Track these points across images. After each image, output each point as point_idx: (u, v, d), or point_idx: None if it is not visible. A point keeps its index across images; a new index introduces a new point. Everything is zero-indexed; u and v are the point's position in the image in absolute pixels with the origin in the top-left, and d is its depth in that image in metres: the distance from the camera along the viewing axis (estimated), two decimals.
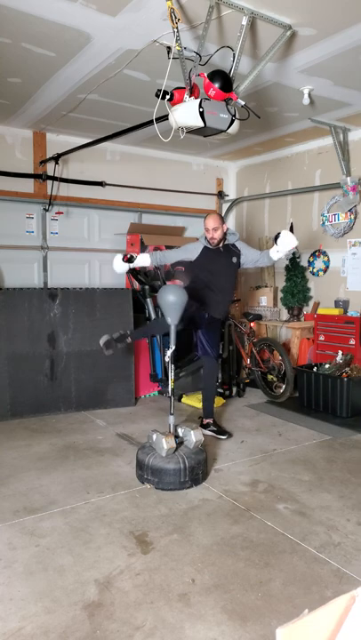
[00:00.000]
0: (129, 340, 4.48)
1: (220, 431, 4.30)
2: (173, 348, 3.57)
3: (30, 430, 4.48)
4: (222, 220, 4.18)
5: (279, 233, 3.97)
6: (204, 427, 4.31)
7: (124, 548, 2.60)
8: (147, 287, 5.49)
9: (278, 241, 3.94)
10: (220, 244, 4.18)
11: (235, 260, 4.27)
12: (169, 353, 3.57)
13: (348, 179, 5.30)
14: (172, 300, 3.51)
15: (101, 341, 4.42)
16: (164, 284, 5.70)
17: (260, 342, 5.71)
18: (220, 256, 4.21)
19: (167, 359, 3.60)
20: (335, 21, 3.14)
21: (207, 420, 4.37)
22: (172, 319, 3.55)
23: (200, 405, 5.21)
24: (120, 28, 3.24)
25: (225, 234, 4.18)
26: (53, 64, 3.79)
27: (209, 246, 4.19)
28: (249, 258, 4.27)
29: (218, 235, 4.12)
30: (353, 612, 1.06)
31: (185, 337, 6.07)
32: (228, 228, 4.27)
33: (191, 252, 4.26)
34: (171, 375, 3.60)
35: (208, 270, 4.20)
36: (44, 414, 4.87)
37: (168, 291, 3.58)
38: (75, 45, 3.49)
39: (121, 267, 4.12)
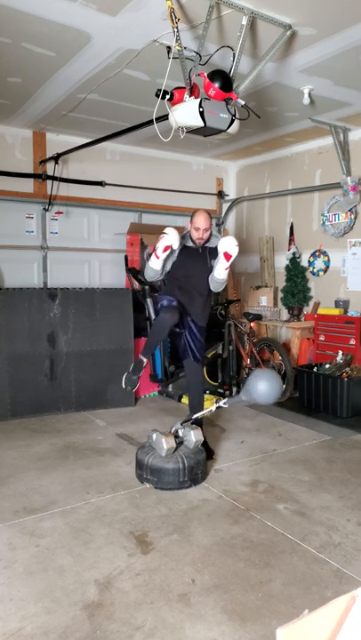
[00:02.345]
0: (144, 361, 4.00)
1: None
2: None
3: (30, 430, 4.48)
4: (211, 219, 3.90)
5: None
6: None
7: (124, 548, 2.59)
8: (147, 287, 5.48)
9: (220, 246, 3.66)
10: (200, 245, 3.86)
11: (211, 264, 3.86)
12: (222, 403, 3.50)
13: (349, 178, 5.30)
14: (264, 388, 3.36)
15: (123, 384, 3.98)
16: (164, 284, 5.70)
17: (260, 342, 5.71)
18: (199, 257, 3.86)
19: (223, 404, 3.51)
20: (335, 21, 3.14)
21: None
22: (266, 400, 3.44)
23: None
24: (120, 28, 3.24)
25: (210, 235, 3.87)
26: (53, 64, 3.79)
27: (189, 245, 3.86)
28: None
29: (207, 236, 3.82)
30: (353, 612, 1.06)
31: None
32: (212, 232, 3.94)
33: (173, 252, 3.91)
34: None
35: (185, 271, 3.85)
36: (44, 414, 4.86)
37: (259, 378, 3.42)
38: (75, 45, 3.49)
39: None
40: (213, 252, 3.83)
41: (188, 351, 3.96)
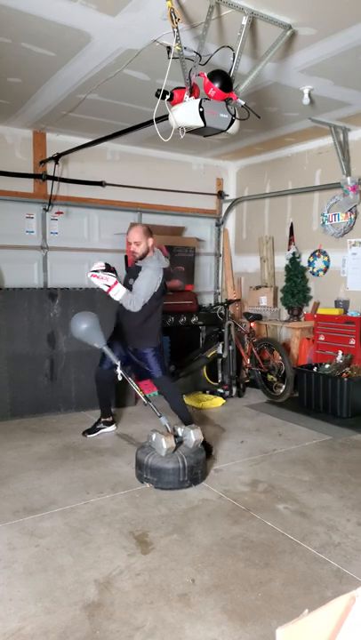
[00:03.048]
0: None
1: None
2: (119, 363, 3.61)
3: (30, 430, 4.48)
4: (148, 234, 3.81)
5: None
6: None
7: (123, 548, 2.59)
8: None
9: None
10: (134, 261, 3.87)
11: (131, 282, 3.84)
12: (118, 371, 3.61)
13: (349, 178, 5.30)
14: (85, 327, 3.55)
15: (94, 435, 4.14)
16: (164, 284, 5.70)
17: (260, 342, 5.71)
18: (131, 274, 3.87)
19: (119, 377, 3.63)
20: (335, 21, 3.14)
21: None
22: (98, 342, 3.60)
23: (200, 405, 5.23)
24: (120, 28, 3.24)
25: (147, 251, 3.81)
26: (53, 64, 3.79)
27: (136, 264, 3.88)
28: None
29: (139, 250, 3.77)
30: (353, 612, 1.06)
31: (185, 337, 6.08)
32: (155, 250, 3.88)
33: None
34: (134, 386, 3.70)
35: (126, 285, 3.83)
36: (44, 414, 4.86)
37: (77, 320, 3.60)
38: (75, 45, 3.49)
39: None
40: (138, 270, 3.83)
41: (145, 372, 4.02)
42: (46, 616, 2.09)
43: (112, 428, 4.42)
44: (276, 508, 3.04)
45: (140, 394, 3.69)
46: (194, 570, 2.41)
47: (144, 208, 6.38)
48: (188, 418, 3.96)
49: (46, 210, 5.70)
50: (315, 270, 5.99)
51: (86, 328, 3.58)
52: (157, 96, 3.09)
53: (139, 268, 3.83)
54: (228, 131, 3.21)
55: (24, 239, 5.64)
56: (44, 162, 5.62)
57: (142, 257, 3.82)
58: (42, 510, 2.99)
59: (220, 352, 5.70)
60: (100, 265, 3.70)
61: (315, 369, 5.24)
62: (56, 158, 5.54)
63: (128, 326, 3.96)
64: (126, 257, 6.06)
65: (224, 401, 5.43)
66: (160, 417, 3.55)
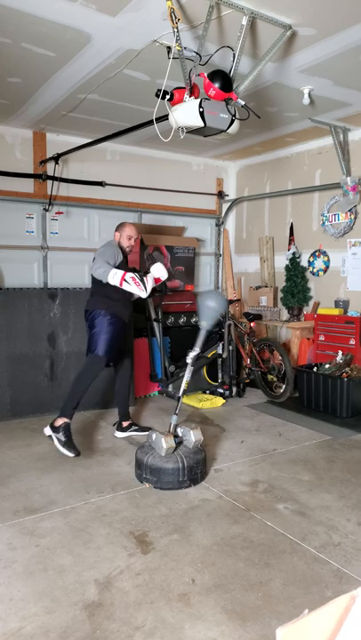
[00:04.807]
0: (69, 422, 3.82)
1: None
2: (198, 350, 3.65)
3: (30, 430, 4.48)
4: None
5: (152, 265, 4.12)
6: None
7: (124, 548, 2.60)
8: None
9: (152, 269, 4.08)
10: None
11: None
12: (192, 354, 3.62)
13: (348, 179, 5.30)
14: (212, 305, 3.64)
15: (65, 452, 3.73)
16: (165, 283, 5.71)
17: (260, 342, 5.71)
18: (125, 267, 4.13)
19: (189, 360, 3.63)
20: (335, 21, 3.14)
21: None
22: (208, 323, 3.66)
23: (200, 405, 5.23)
24: (120, 28, 3.24)
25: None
26: (53, 64, 3.79)
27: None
28: None
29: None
30: (353, 611, 1.06)
31: (185, 337, 6.08)
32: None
33: (119, 254, 4.06)
34: (187, 376, 3.65)
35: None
36: (44, 414, 4.86)
37: (209, 297, 3.76)
38: (75, 45, 3.49)
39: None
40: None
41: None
42: (46, 616, 2.09)
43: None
44: (276, 508, 3.04)
45: (185, 385, 3.64)
46: (194, 570, 2.41)
47: (144, 208, 6.38)
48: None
49: (46, 210, 5.70)
50: (315, 270, 5.99)
51: (213, 307, 3.64)
52: (157, 96, 3.09)
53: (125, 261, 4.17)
54: (228, 131, 3.21)
55: (24, 239, 5.64)
56: (44, 162, 5.62)
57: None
58: (42, 510, 3.00)
59: (220, 352, 5.70)
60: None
61: (315, 369, 5.24)
62: (56, 158, 5.54)
63: (131, 307, 4.30)
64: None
65: (224, 401, 5.43)
66: (176, 414, 3.54)
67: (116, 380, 4.38)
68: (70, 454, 3.68)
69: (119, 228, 4.22)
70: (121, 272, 3.78)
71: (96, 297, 4.10)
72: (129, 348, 4.42)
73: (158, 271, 4.08)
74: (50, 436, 3.80)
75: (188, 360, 3.61)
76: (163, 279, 4.09)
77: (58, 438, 3.73)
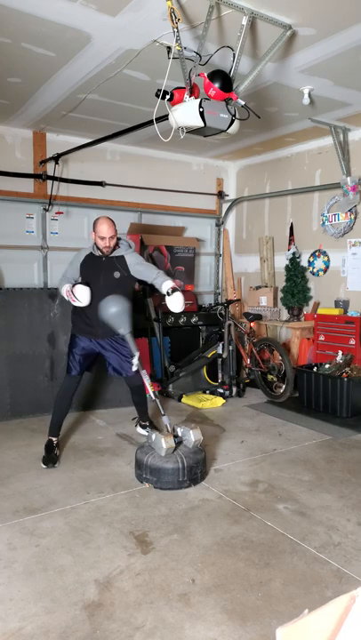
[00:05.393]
0: (54, 441, 3.86)
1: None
2: (137, 354, 3.62)
3: (30, 430, 4.48)
4: (115, 226, 3.81)
5: (170, 292, 3.74)
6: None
7: (124, 547, 2.60)
8: (147, 287, 5.49)
9: (167, 299, 3.76)
10: (107, 254, 3.81)
11: (117, 275, 3.80)
12: (134, 361, 3.60)
13: (348, 179, 5.30)
14: (115, 310, 3.55)
15: (45, 464, 3.69)
16: None
17: (260, 342, 5.71)
18: (105, 267, 3.79)
19: (134, 368, 3.62)
20: (335, 21, 3.14)
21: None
22: (124, 328, 3.61)
23: (200, 405, 5.23)
24: (120, 28, 3.24)
25: (116, 244, 3.82)
26: (53, 64, 3.79)
27: (95, 253, 3.81)
28: (144, 274, 3.87)
29: (112, 243, 3.75)
30: (353, 611, 1.06)
31: (185, 337, 6.08)
32: (119, 238, 3.86)
33: (76, 263, 3.86)
34: (147, 380, 3.68)
35: (92, 285, 3.74)
36: (44, 414, 4.86)
37: (109, 303, 3.58)
38: (75, 45, 3.49)
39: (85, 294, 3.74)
40: (122, 262, 3.82)
41: (123, 369, 3.91)
42: (46, 616, 2.09)
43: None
44: (276, 508, 3.04)
45: (150, 389, 3.69)
46: (194, 570, 2.41)
47: (144, 208, 6.38)
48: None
49: (46, 210, 5.70)
50: (315, 270, 5.99)
51: (115, 312, 3.56)
52: (157, 96, 3.09)
53: (101, 261, 3.81)
54: (228, 131, 3.21)
55: (24, 239, 5.64)
56: (44, 162, 5.62)
57: (112, 251, 3.82)
58: (42, 510, 3.00)
59: (220, 352, 5.70)
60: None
61: (315, 369, 5.24)
62: (56, 158, 5.54)
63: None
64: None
65: (224, 401, 5.43)
66: (163, 415, 3.55)
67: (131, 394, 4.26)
68: (43, 465, 3.68)
69: (94, 226, 3.77)
70: (63, 289, 3.78)
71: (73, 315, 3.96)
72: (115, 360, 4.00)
73: (174, 304, 3.73)
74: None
75: (134, 367, 3.65)
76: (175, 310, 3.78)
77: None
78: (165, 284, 3.78)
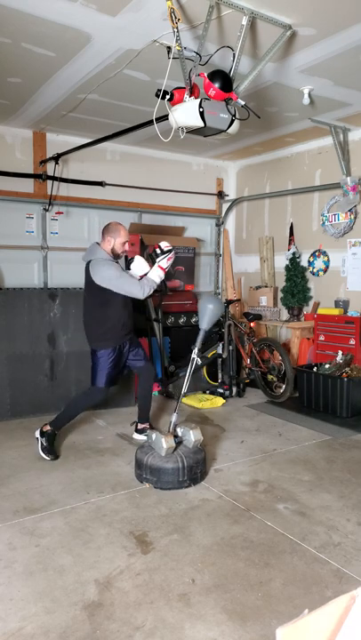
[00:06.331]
0: (55, 433, 3.93)
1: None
2: (198, 347, 3.69)
3: (30, 430, 4.47)
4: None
5: (132, 259, 3.95)
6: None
7: (124, 547, 2.60)
8: None
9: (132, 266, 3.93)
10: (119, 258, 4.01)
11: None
12: (195, 351, 3.67)
13: (348, 179, 5.30)
14: (211, 307, 3.66)
15: (44, 455, 3.80)
16: (165, 283, 5.70)
17: (260, 342, 5.71)
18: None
19: (195, 357, 3.67)
20: (335, 21, 3.14)
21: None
22: (208, 324, 3.67)
23: (200, 405, 5.23)
24: (120, 28, 3.24)
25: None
26: (53, 64, 3.79)
27: (112, 260, 3.86)
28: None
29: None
30: (353, 611, 1.06)
31: (185, 337, 6.08)
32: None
33: (120, 266, 3.93)
34: (188, 375, 3.68)
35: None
36: (44, 414, 4.86)
37: (208, 300, 3.74)
38: (75, 45, 3.49)
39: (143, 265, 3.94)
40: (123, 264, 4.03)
41: (142, 359, 4.10)
42: (46, 616, 2.09)
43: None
44: (276, 508, 3.04)
45: (186, 384, 3.67)
46: (194, 570, 2.41)
47: (144, 208, 6.38)
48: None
49: (46, 210, 5.70)
50: (315, 270, 5.99)
51: (212, 309, 3.66)
52: (157, 96, 3.09)
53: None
54: (228, 131, 3.21)
55: (24, 239, 5.64)
56: (44, 162, 5.62)
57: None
58: (42, 510, 3.00)
59: (220, 352, 5.70)
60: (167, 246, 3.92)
61: (315, 369, 5.24)
62: (56, 158, 5.54)
63: (131, 319, 4.07)
64: (127, 257, 6.06)
65: (224, 401, 5.43)
66: (175, 413, 3.57)
67: (138, 386, 4.32)
68: (47, 458, 3.77)
69: (112, 232, 3.80)
70: (151, 275, 3.85)
71: (96, 328, 3.91)
72: (141, 352, 4.15)
73: (139, 267, 3.91)
74: (37, 439, 3.89)
75: (194, 354, 3.68)
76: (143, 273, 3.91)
77: (41, 442, 3.84)
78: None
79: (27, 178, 5.56)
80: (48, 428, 3.88)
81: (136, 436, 4.25)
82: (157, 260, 3.88)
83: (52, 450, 3.83)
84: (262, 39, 3.34)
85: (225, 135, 3.29)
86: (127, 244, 3.88)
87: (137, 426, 4.28)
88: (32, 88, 4.29)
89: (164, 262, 3.87)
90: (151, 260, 3.96)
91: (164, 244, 3.91)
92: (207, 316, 3.66)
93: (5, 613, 2.10)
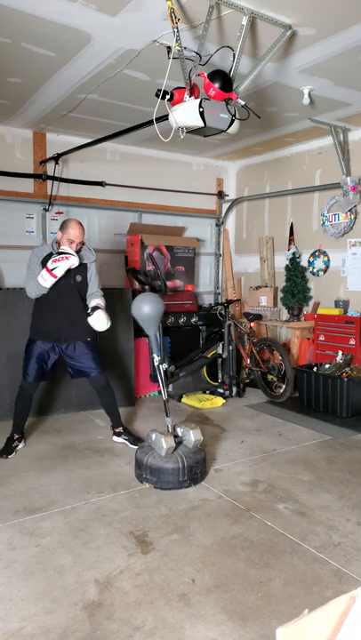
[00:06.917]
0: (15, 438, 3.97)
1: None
2: (159, 357, 3.62)
3: (30, 430, 4.48)
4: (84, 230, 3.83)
5: (95, 309, 3.81)
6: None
7: (124, 547, 2.60)
8: (147, 287, 5.49)
9: (90, 319, 3.81)
10: None
11: (79, 278, 3.84)
12: (156, 361, 3.62)
13: (348, 179, 5.30)
14: (147, 311, 3.52)
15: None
16: (165, 283, 5.71)
17: (260, 342, 5.71)
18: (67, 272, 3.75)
19: (163, 369, 3.64)
20: (335, 21, 3.14)
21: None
22: (152, 330, 3.59)
23: (200, 405, 5.23)
24: (120, 28, 3.24)
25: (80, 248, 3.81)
26: (53, 64, 3.79)
27: (55, 253, 3.73)
28: (89, 286, 3.94)
29: (78, 248, 3.75)
30: (353, 611, 1.06)
31: (185, 337, 6.08)
32: (83, 243, 3.84)
33: (37, 261, 3.72)
34: (161, 380, 3.66)
35: (57, 288, 3.73)
36: (43, 414, 4.86)
37: (143, 301, 3.53)
38: (75, 45, 3.49)
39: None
40: (83, 268, 3.84)
41: (84, 370, 3.96)
42: (46, 616, 2.09)
43: (22, 444, 4.08)
44: (276, 508, 3.04)
45: (163, 390, 3.66)
46: (194, 570, 2.41)
47: (144, 208, 6.38)
48: (120, 420, 4.15)
49: (46, 210, 5.70)
50: (315, 270, 5.99)
51: (148, 312, 3.54)
52: (157, 96, 3.09)
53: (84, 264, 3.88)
54: (228, 131, 3.21)
55: (24, 239, 5.64)
56: (44, 162, 5.62)
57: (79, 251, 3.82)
58: (42, 510, 3.00)
59: (220, 352, 5.70)
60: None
61: (315, 369, 5.24)
62: (56, 158, 5.54)
63: (76, 319, 3.85)
64: (126, 257, 6.07)
65: (224, 401, 5.43)
66: (168, 417, 3.55)
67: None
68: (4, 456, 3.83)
69: (63, 227, 3.72)
70: (39, 276, 3.63)
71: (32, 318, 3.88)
72: (92, 367, 3.98)
73: (94, 323, 3.80)
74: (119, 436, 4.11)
75: (155, 362, 3.64)
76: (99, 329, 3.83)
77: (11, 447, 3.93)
78: (92, 302, 3.87)
79: (27, 178, 5.56)
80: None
81: (115, 438, 4.20)
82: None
83: (6, 449, 3.88)
84: (262, 39, 3.34)
85: (225, 135, 3.29)
86: (74, 244, 3.70)
87: (114, 430, 4.22)
88: (32, 88, 4.29)
89: (50, 264, 3.63)
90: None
91: (63, 248, 3.69)
92: (147, 320, 3.53)
93: (5, 613, 2.10)
